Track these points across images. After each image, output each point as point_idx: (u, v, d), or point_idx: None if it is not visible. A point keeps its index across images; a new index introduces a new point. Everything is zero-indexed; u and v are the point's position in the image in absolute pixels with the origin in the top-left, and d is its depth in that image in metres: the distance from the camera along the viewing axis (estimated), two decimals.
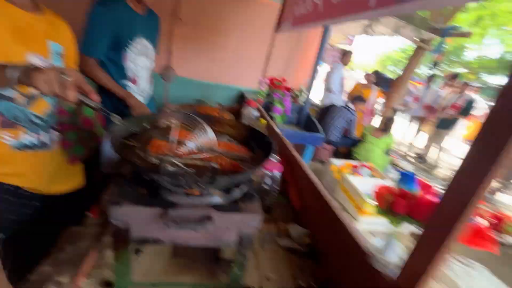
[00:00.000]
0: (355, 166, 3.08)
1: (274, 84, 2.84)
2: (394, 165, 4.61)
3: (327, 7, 1.29)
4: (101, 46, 1.26)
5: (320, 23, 1.41)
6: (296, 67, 3.38)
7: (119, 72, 1.37)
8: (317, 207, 1.07)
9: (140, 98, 1.51)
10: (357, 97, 3.80)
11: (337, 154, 4.04)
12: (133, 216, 0.57)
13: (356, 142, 3.58)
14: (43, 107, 0.92)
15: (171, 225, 0.54)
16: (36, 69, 0.57)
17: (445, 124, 5.17)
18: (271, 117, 2.26)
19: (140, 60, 1.43)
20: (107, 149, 1.45)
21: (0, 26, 0.77)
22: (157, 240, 0.61)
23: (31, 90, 0.87)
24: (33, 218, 1.01)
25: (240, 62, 3.03)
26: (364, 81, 4.56)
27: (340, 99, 4.02)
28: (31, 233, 1.02)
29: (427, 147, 5.61)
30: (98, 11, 1.20)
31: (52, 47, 0.91)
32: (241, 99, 2.93)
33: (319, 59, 2.73)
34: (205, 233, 0.60)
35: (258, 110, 2.26)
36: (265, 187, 1.15)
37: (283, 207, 1.25)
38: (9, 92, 0.83)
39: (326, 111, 3.78)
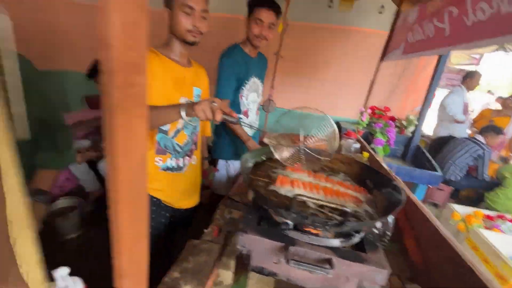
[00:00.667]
0: (490, 217, 2.37)
1: (376, 114, 2.62)
2: None
3: (457, 30, 1.12)
4: (231, 91, 1.52)
5: (444, 49, 1.24)
6: (402, 95, 3.04)
7: (235, 108, 1.59)
8: (447, 266, 0.86)
9: (249, 129, 1.68)
10: (488, 127, 3.01)
11: (458, 198, 3.24)
12: (256, 246, 0.61)
13: (488, 185, 2.78)
14: (183, 138, 1.15)
15: (291, 262, 0.55)
16: (195, 103, 0.82)
17: None
18: (373, 150, 2.07)
19: (251, 95, 1.62)
20: (219, 174, 1.68)
21: (167, 78, 1.05)
22: (273, 274, 0.63)
23: (178, 125, 1.12)
24: (165, 227, 1.24)
25: (338, 92, 2.98)
26: (495, 107, 3.60)
27: (463, 130, 3.28)
28: (163, 240, 1.24)
29: None
30: (225, 62, 1.47)
31: (195, 91, 1.17)
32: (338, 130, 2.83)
33: (434, 85, 2.38)
34: (323, 278, 0.58)
35: (358, 141, 2.12)
36: (375, 231, 1.02)
37: (397, 259, 1.07)
38: (164, 126, 1.09)
39: (442, 144, 3.16)
